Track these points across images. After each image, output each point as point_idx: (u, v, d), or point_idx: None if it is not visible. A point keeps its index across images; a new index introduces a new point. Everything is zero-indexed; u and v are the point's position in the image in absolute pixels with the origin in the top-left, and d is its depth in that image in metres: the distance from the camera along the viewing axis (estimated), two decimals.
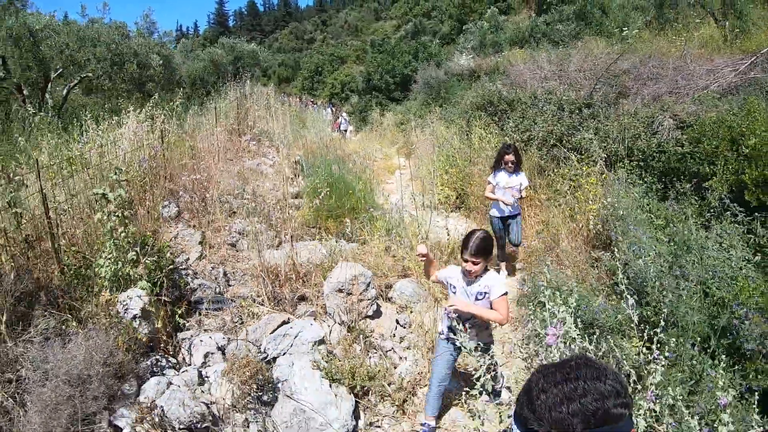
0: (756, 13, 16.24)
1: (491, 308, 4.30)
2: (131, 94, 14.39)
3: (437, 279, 4.55)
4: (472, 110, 13.92)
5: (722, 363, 3.60)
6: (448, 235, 7.71)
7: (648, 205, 7.01)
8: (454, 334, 4.02)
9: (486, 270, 4.34)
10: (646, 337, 3.94)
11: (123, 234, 4.64)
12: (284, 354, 4.55)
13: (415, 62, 30.66)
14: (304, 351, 4.53)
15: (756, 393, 3.71)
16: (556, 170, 9.27)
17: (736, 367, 4.22)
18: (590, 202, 7.63)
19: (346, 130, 24.28)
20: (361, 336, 5.19)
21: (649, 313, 5.02)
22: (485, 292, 4.30)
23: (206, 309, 5.36)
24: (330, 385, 4.23)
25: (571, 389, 1.36)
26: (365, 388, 4.61)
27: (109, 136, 7.02)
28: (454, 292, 4.39)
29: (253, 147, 12.03)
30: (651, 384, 3.48)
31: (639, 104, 10.20)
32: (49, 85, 14.57)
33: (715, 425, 3.39)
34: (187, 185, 7.70)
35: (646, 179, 7.84)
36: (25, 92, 14.00)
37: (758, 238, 5.85)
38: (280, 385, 4.19)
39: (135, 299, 4.41)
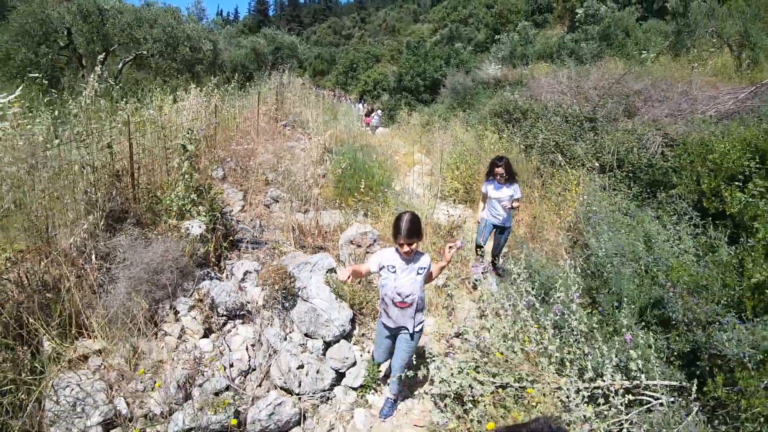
0: None
1: (430, 276, 4.86)
2: (181, 73, 15.72)
3: (371, 271, 4.72)
4: (490, 116, 15.13)
5: (625, 309, 4.82)
6: (449, 218, 9.01)
7: (626, 208, 8.15)
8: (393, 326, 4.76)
9: (419, 252, 4.74)
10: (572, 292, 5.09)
11: (189, 178, 6.05)
12: (305, 271, 5.95)
13: (446, 67, 31.51)
14: (320, 274, 5.89)
15: (675, 353, 4.88)
16: (554, 173, 10.47)
17: (667, 334, 5.33)
18: (574, 200, 8.81)
19: (376, 127, 25.22)
20: (364, 278, 6.54)
21: (599, 284, 6.21)
22: (425, 267, 4.71)
23: (245, 247, 6.74)
24: (336, 298, 5.60)
25: None
26: (362, 309, 5.97)
27: (174, 106, 8.39)
28: (394, 272, 4.67)
29: (287, 132, 13.31)
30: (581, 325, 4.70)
31: (639, 122, 11.31)
32: (107, 59, 16.02)
33: (629, 364, 4.51)
34: (238, 153, 9.08)
35: (633, 188, 9.00)
36: (84, 62, 15.43)
37: (710, 239, 6.97)
38: (299, 292, 5.58)
39: (195, 227, 5.84)
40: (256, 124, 11.45)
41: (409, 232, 4.44)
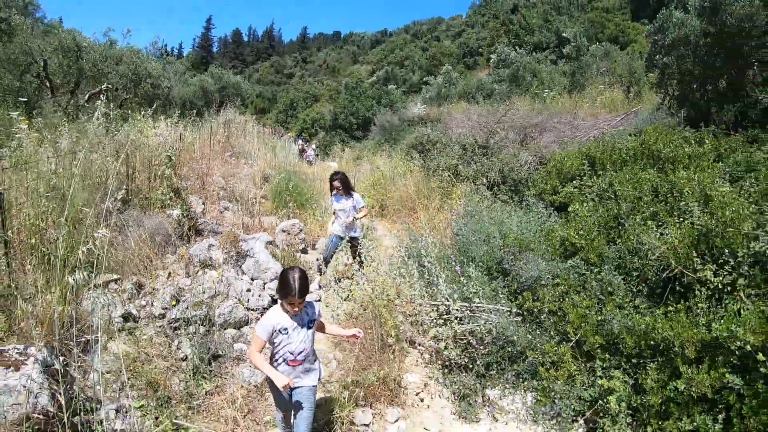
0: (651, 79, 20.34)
1: (322, 326, 4.91)
2: (142, 107, 18.09)
3: (264, 341, 4.49)
4: (408, 148, 17.93)
5: (472, 265, 7.43)
6: (362, 226, 11.59)
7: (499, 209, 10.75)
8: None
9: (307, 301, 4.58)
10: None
11: (170, 181, 8.57)
12: (252, 240, 8.53)
13: (377, 107, 34.43)
14: (262, 243, 8.54)
15: (510, 290, 7.33)
16: (449, 189, 13.16)
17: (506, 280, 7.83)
18: (458, 205, 11.48)
19: (311, 162, 27.70)
20: (294, 254, 9.12)
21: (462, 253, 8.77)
22: (315, 319, 4.69)
23: (207, 233, 9.23)
24: (272, 257, 8.19)
25: None
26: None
27: (150, 132, 10.85)
28: (286, 333, 4.51)
29: (233, 161, 15.76)
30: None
31: (525, 148, 14.19)
32: (77, 90, 18.30)
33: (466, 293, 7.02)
34: (197, 171, 11.59)
35: (514, 198, 11.61)
36: (54, 92, 17.64)
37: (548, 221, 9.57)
38: (248, 253, 8.21)
39: (175, 212, 8.39)
40: (210, 152, 13.94)
41: (301, 290, 4.29)
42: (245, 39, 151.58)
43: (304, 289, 4.28)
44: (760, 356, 4.27)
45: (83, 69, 17.26)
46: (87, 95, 18.57)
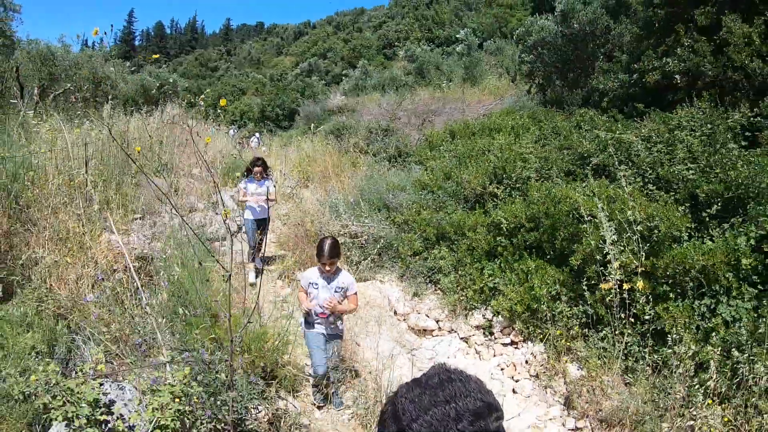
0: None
1: (346, 299, 5.57)
2: (101, 105, 21.23)
3: (304, 288, 5.60)
4: (326, 134, 21.79)
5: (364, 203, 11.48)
6: (291, 191, 15.50)
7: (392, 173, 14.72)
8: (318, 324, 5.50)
9: (338, 269, 5.54)
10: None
11: (159, 159, 12.32)
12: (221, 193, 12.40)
13: (301, 98, 37.78)
14: (228, 195, 12.34)
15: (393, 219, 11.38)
16: (355, 163, 17.11)
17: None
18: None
19: (254, 148, 30.26)
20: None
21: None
22: (343, 287, 5.44)
23: (186, 194, 12.98)
24: (235, 204, 12.07)
25: (444, 414, 1.26)
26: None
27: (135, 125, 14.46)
28: (317, 288, 5.40)
29: (186, 150, 19.31)
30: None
31: (420, 130, 18.31)
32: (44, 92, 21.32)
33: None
34: (166, 154, 15.33)
35: (406, 166, 15.54)
36: (23, 94, 20.63)
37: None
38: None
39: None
40: (170, 141, 17.58)
41: (330, 253, 5.28)
42: (168, 32, 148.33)
43: (332, 252, 5.32)
44: (505, 223, 8.39)
45: (53, 74, 20.33)
46: (52, 96, 21.57)
